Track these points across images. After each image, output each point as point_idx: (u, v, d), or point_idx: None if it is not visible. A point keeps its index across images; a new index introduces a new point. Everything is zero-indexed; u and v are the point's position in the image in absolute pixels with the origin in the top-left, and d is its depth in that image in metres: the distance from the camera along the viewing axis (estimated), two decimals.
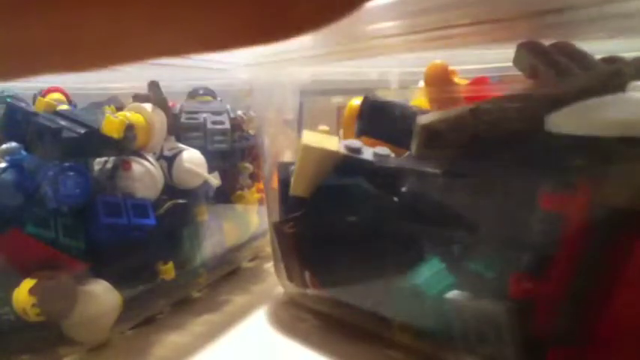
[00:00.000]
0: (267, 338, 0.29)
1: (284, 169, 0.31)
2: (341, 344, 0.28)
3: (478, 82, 0.26)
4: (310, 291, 0.32)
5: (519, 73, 0.22)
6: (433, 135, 0.21)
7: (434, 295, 0.24)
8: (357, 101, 0.30)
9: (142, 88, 0.37)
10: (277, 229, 0.30)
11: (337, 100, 0.31)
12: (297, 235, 0.28)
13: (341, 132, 0.32)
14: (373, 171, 0.26)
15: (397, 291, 0.26)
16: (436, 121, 0.21)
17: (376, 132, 0.27)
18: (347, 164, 0.26)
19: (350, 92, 0.29)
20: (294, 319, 0.32)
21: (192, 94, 0.40)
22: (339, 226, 0.26)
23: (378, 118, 0.27)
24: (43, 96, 0.38)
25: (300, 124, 0.32)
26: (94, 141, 0.27)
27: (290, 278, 0.32)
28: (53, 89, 0.39)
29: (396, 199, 0.25)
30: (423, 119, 0.22)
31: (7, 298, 0.25)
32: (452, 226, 0.23)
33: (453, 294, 0.23)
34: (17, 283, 0.25)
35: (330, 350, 0.28)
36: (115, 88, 0.43)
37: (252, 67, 0.31)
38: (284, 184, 0.30)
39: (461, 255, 0.24)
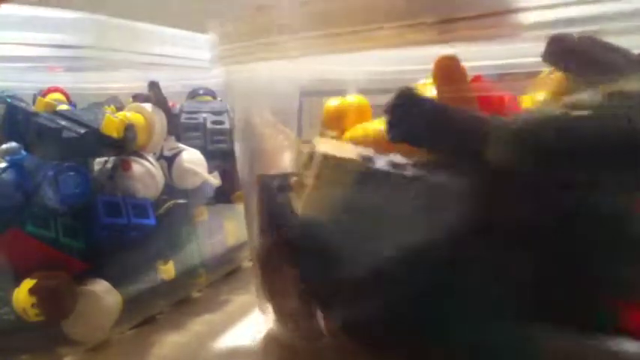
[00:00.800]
0: (267, 338, 0.29)
1: (268, 185, 0.26)
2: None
3: (475, 80, 0.25)
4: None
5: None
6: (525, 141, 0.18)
7: None
8: (333, 101, 0.26)
9: (142, 88, 0.37)
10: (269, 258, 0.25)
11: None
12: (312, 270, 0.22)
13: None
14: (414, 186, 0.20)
15: None
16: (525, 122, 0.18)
17: (421, 137, 0.21)
18: (376, 177, 0.21)
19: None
20: None
21: (192, 94, 0.40)
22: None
23: (425, 119, 0.21)
24: (43, 96, 0.38)
25: (299, 129, 0.31)
26: (94, 141, 0.27)
27: (284, 321, 0.26)
28: (53, 89, 0.39)
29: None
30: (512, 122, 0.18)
31: (7, 298, 0.25)
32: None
33: None
34: (17, 283, 0.25)
35: None
36: (115, 88, 0.43)
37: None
38: (270, 203, 0.26)
39: None
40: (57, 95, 0.38)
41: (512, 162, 0.18)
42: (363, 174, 0.21)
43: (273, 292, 0.26)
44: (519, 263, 0.18)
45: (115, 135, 0.27)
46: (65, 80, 0.39)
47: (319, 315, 0.23)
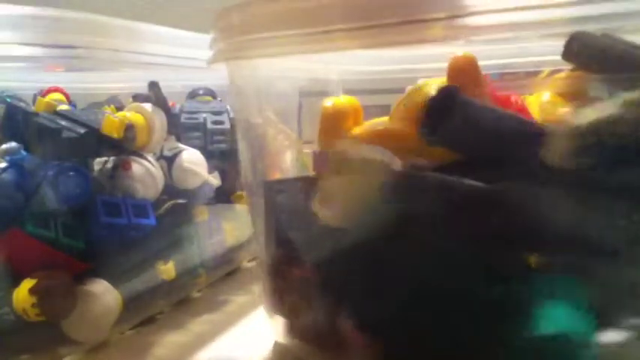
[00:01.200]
0: (267, 338, 0.29)
1: (274, 191, 0.25)
2: None
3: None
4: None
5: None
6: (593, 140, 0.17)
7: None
8: (329, 102, 0.25)
9: (142, 88, 0.37)
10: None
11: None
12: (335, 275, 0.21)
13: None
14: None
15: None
16: (596, 122, 0.17)
17: (466, 142, 0.19)
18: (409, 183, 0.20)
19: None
20: None
21: (193, 94, 0.40)
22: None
23: (473, 123, 0.19)
24: (43, 96, 0.38)
25: (299, 129, 0.30)
26: (93, 141, 0.27)
27: (296, 333, 0.25)
28: (53, 89, 0.39)
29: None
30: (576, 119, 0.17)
31: (7, 298, 0.25)
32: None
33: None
34: (17, 284, 0.25)
35: None
36: (115, 88, 0.43)
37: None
38: (277, 210, 0.25)
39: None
40: (57, 95, 0.38)
41: (583, 164, 0.17)
42: (389, 176, 0.20)
43: (287, 305, 0.25)
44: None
45: (115, 135, 0.27)
46: (65, 80, 0.39)
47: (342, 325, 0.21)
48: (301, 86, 0.33)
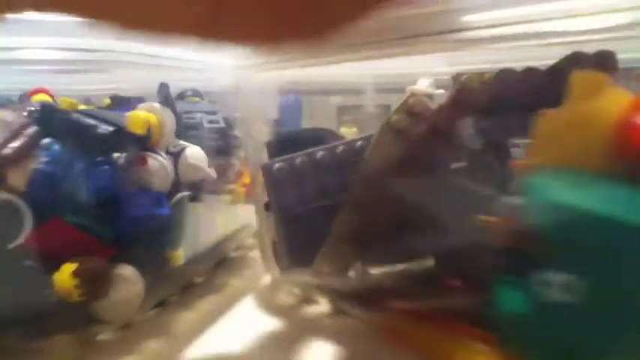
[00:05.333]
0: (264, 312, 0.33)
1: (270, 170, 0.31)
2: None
3: None
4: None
5: None
6: None
7: None
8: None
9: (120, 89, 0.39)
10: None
11: (336, 100, 0.34)
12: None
13: None
14: None
15: None
16: None
17: None
18: None
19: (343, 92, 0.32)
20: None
21: (182, 95, 0.43)
22: None
23: None
24: (29, 97, 0.40)
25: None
26: (120, 137, 0.29)
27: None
28: (40, 90, 0.40)
29: None
30: None
31: (49, 282, 0.27)
32: None
33: None
34: (56, 268, 0.27)
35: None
36: (95, 90, 0.45)
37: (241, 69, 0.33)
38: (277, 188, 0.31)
39: None
40: (43, 96, 0.40)
41: None
42: None
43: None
44: None
45: (139, 132, 0.30)
46: (58, 81, 0.40)
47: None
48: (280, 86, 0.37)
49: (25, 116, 0.27)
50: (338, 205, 0.28)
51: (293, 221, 0.31)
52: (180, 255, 0.35)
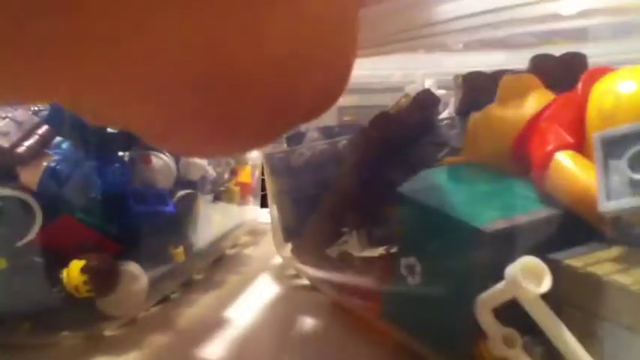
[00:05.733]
0: (264, 305, 0.35)
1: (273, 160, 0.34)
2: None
3: None
4: None
5: None
6: None
7: None
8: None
9: None
10: None
11: None
12: None
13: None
14: None
15: None
16: None
17: None
18: None
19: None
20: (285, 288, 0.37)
21: None
22: None
23: None
24: None
25: None
26: (127, 136, 0.30)
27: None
28: None
29: None
30: None
31: (58, 278, 0.27)
32: None
33: None
34: (64, 265, 0.27)
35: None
36: None
37: None
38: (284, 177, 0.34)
39: None
40: None
41: None
42: None
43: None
44: None
45: None
46: None
47: None
48: None
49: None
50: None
51: (292, 203, 0.34)
52: (182, 252, 0.35)
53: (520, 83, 0.22)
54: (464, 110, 0.25)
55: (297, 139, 0.34)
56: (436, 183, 0.23)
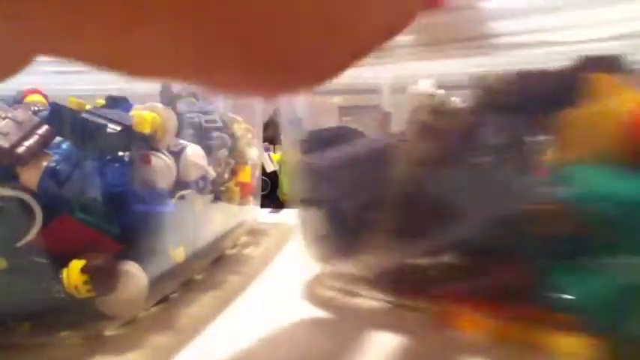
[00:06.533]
0: (264, 304, 0.35)
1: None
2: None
3: None
4: None
5: None
6: None
7: None
8: None
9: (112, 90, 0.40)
10: None
11: (337, 99, 0.35)
12: None
13: None
14: None
15: None
16: None
17: None
18: None
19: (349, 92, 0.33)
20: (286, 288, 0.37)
21: (177, 96, 0.43)
22: None
23: None
24: (24, 97, 0.40)
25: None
26: (127, 136, 0.30)
27: None
28: (33, 91, 0.40)
29: None
30: None
31: (58, 278, 0.27)
32: None
33: None
34: (64, 265, 0.27)
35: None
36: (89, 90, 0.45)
37: None
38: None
39: None
40: (37, 97, 0.40)
41: None
42: None
43: None
44: None
45: (146, 131, 0.30)
46: (51, 82, 0.41)
47: None
48: None
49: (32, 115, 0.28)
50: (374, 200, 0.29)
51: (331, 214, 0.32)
52: (181, 252, 0.35)
53: (608, 82, 0.23)
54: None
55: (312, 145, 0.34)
56: (602, 183, 0.22)
